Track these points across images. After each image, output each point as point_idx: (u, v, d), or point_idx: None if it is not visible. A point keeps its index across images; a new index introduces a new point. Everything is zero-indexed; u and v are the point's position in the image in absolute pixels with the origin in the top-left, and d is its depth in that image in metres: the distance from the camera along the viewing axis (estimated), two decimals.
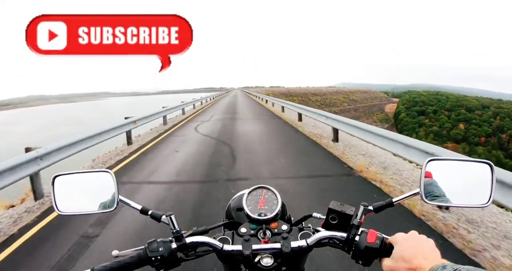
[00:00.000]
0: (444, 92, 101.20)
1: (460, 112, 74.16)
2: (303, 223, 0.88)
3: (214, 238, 0.79)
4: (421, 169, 0.76)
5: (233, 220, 0.93)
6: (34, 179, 4.27)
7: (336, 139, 7.70)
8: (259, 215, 0.83)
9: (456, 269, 0.51)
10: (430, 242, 0.63)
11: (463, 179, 0.75)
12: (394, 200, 0.76)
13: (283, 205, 0.89)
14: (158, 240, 0.74)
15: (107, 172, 0.84)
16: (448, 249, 2.75)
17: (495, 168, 0.74)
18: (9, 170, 3.79)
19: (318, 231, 0.81)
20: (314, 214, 0.86)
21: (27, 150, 4.33)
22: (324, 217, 0.81)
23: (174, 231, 0.77)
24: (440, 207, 3.44)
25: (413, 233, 0.66)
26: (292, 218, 0.93)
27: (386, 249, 0.67)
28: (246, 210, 0.84)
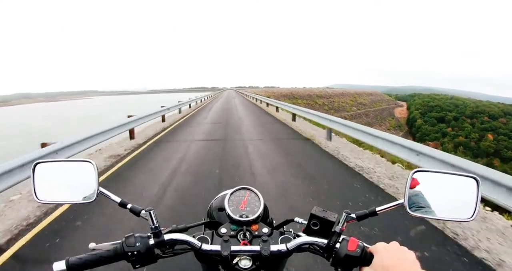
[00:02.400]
0: (459, 97, 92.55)
1: (483, 120, 65.33)
2: (284, 227, 0.86)
3: (193, 236, 0.77)
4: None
5: (214, 219, 0.91)
6: None
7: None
8: (241, 216, 0.81)
9: None
10: (411, 254, 0.61)
11: (448, 192, 0.74)
12: (377, 209, 0.74)
13: (265, 208, 0.87)
14: (136, 235, 0.71)
15: (89, 162, 0.81)
16: None
17: (481, 182, 0.73)
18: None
19: (299, 236, 0.79)
20: (296, 219, 0.84)
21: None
22: (304, 222, 0.79)
23: (153, 227, 0.73)
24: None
25: (394, 244, 0.64)
26: (274, 222, 0.91)
27: (366, 258, 0.66)
28: (228, 210, 0.82)
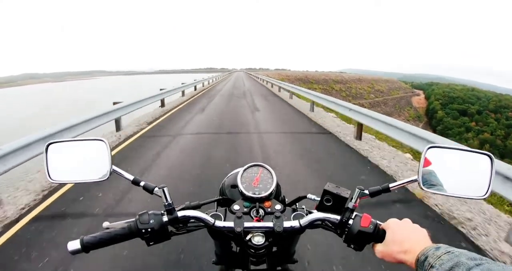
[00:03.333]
0: (480, 89, 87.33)
1: (508, 115, 60.71)
2: (296, 204, 0.85)
3: (206, 213, 0.77)
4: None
5: (227, 197, 0.90)
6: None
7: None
8: (253, 193, 0.81)
9: (450, 251, 0.50)
10: (423, 231, 0.62)
11: (462, 169, 0.73)
12: (390, 185, 0.74)
13: (277, 185, 0.87)
14: (150, 212, 0.72)
15: (101, 140, 0.81)
16: None
17: (495, 160, 0.72)
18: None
19: (311, 212, 0.78)
20: (309, 196, 0.84)
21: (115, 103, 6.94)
22: (317, 199, 0.79)
23: (166, 204, 0.73)
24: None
25: (407, 221, 0.64)
26: (286, 199, 0.90)
27: (379, 235, 0.66)
28: (241, 187, 0.82)
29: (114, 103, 7.03)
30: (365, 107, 6.72)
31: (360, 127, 6.26)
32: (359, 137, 6.25)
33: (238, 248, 0.86)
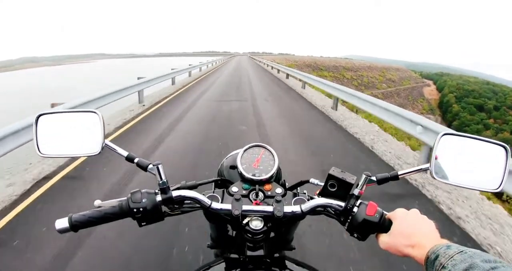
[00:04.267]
0: (495, 83, 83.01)
1: None
2: (298, 188, 0.82)
3: (203, 194, 0.73)
4: None
5: (225, 178, 0.87)
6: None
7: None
8: (253, 175, 0.77)
9: (462, 251, 0.48)
10: (431, 224, 0.60)
11: (476, 159, 0.69)
12: (399, 173, 0.70)
13: (278, 168, 0.82)
14: (143, 190, 0.68)
15: (94, 112, 0.76)
16: None
17: (510, 152, 0.68)
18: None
19: (313, 198, 0.75)
20: (312, 180, 0.81)
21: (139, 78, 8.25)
22: (320, 184, 0.76)
23: (160, 182, 0.69)
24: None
25: (415, 211, 0.62)
26: (287, 183, 0.86)
27: (384, 225, 0.64)
28: (240, 168, 0.78)
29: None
30: (379, 97, 6.68)
31: None
32: None
33: (234, 232, 0.81)
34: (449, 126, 41.82)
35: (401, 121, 4.51)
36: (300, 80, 12.90)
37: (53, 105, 5.04)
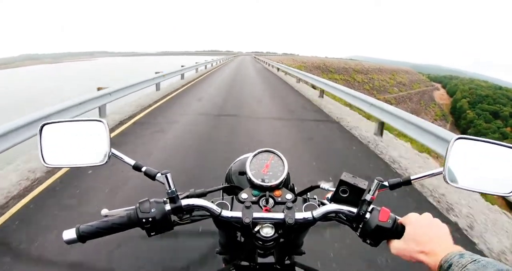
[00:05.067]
0: (508, 88, 79.81)
1: None
2: (308, 193, 0.82)
3: (212, 202, 0.72)
4: None
5: (234, 184, 0.87)
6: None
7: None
8: (263, 181, 0.76)
9: (475, 260, 0.48)
10: (445, 229, 0.59)
11: (489, 163, 0.68)
12: (412, 177, 0.69)
13: (287, 173, 0.80)
14: (151, 200, 0.68)
15: (100, 121, 0.75)
16: None
17: None
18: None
19: (323, 203, 0.75)
20: (322, 185, 0.80)
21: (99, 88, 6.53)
22: (332, 189, 0.75)
23: (169, 191, 0.69)
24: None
25: (427, 215, 0.61)
26: (296, 188, 0.85)
27: (397, 231, 0.63)
28: (249, 174, 0.77)
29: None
30: (391, 103, 6.26)
31: None
32: None
33: (243, 238, 0.81)
34: (463, 134, 38.54)
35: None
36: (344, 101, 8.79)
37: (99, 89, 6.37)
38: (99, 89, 6.45)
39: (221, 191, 0.82)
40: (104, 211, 0.71)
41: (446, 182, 0.66)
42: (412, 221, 0.61)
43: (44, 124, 0.75)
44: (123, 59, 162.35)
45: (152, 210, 0.65)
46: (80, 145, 0.75)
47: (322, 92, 9.97)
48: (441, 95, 75.46)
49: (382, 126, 5.71)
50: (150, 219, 0.65)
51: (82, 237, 0.64)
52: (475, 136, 0.69)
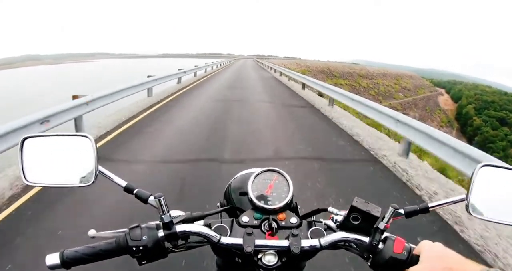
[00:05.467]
0: None
1: None
2: (313, 216, 0.75)
3: (209, 225, 0.68)
4: None
5: (233, 205, 0.82)
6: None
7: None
8: (266, 203, 0.70)
9: None
10: (459, 257, 0.56)
11: None
12: (430, 205, 0.64)
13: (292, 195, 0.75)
14: (143, 225, 0.62)
15: (86, 136, 0.69)
16: None
17: None
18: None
19: (329, 227, 0.70)
20: (330, 209, 0.73)
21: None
22: (340, 214, 0.70)
23: (163, 216, 0.64)
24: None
25: (440, 245, 0.58)
26: (299, 207, 0.79)
27: (412, 262, 0.59)
28: (251, 195, 0.71)
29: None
30: (397, 109, 5.62)
31: None
32: None
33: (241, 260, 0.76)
34: (469, 141, 37.48)
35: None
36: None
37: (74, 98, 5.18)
38: (74, 97, 5.42)
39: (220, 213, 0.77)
40: (92, 232, 0.66)
41: (469, 212, 0.62)
42: (427, 249, 0.57)
43: (25, 138, 0.69)
44: (124, 61, 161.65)
45: (144, 237, 0.60)
46: (65, 162, 0.69)
47: (332, 101, 9.17)
48: (445, 101, 74.36)
49: (409, 147, 4.79)
50: (141, 247, 0.60)
51: (66, 263, 0.59)
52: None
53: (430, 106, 59.59)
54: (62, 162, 0.69)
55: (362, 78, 49.94)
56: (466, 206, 0.62)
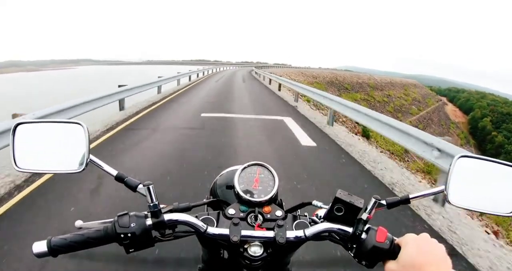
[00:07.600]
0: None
1: None
2: (298, 210, 0.78)
3: (196, 217, 0.68)
4: None
5: (219, 198, 0.84)
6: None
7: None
8: (252, 196, 0.72)
9: None
10: (442, 249, 0.57)
11: (491, 183, 0.68)
12: (411, 196, 0.67)
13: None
14: (131, 214, 0.63)
15: (79, 123, 0.69)
16: None
17: None
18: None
19: (314, 221, 0.72)
20: (314, 202, 0.76)
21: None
22: (324, 206, 0.73)
23: (151, 204, 0.65)
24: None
25: (425, 236, 0.59)
26: (284, 203, 0.81)
27: (394, 251, 0.60)
28: (237, 188, 0.73)
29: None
30: (419, 127, 4.01)
31: None
32: None
33: (227, 255, 0.74)
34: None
35: None
36: None
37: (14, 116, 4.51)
38: (14, 116, 4.43)
39: (206, 205, 0.80)
40: (79, 223, 0.67)
41: (448, 201, 0.65)
42: (409, 241, 0.58)
43: (18, 124, 0.69)
44: (107, 68, 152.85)
45: (132, 225, 0.61)
46: (56, 149, 0.69)
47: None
48: (454, 112, 68.36)
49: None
50: (129, 235, 0.60)
51: (54, 251, 0.59)
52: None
53: (443, 119, 53.11)
54: (54, 149, 0.68)
55: (374, 89, 42.78)
56: (445, 195, 0.64)
